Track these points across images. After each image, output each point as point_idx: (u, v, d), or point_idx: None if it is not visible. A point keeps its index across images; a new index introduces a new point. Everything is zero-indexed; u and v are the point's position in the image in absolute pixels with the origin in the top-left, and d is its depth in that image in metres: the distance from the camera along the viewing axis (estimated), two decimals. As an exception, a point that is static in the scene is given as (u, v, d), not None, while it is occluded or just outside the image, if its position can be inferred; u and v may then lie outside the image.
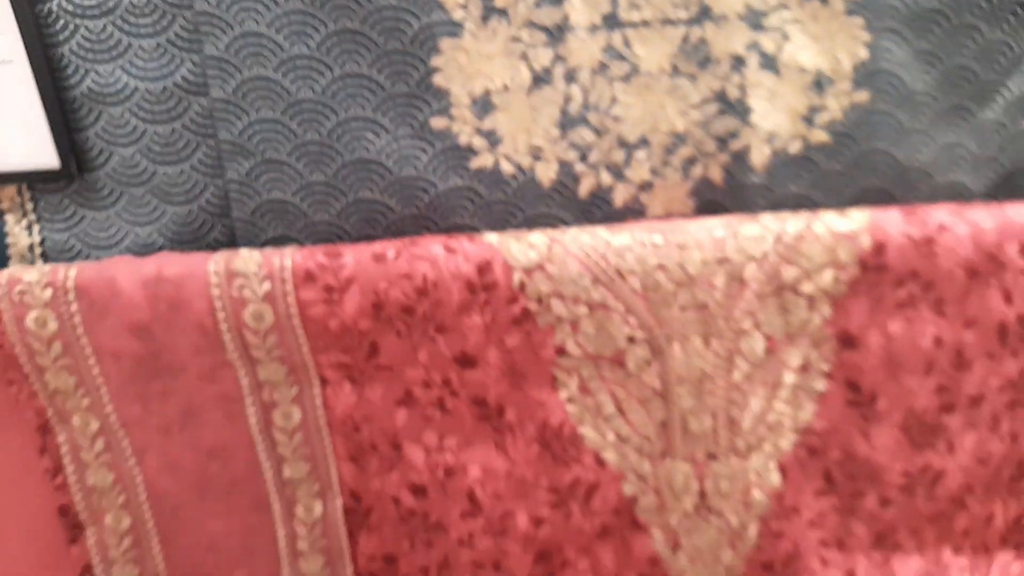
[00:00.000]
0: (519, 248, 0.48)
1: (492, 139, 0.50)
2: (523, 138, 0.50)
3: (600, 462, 0.53)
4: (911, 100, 0.49)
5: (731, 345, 0.50)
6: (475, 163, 0.51)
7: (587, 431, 0.52)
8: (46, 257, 0.54)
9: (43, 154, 0.51)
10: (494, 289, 0.48)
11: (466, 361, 0.51)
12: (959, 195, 0.53)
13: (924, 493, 0.55)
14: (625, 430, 0.52)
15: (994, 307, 0.50)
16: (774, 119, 0.49)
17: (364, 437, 0.53)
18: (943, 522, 0.57)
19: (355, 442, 0.54)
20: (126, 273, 0.48)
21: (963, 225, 0.49)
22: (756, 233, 0.48)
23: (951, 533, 0.58)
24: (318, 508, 0.56)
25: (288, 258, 0.48)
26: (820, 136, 0.50)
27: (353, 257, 0.48)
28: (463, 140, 0.50)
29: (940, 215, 0.49)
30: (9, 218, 0.54)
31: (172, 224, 0.53)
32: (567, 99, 0.49)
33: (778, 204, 0.52)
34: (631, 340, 0.50)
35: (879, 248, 0.48)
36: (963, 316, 0.50)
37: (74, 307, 0.48)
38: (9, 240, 0.54)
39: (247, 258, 0.49)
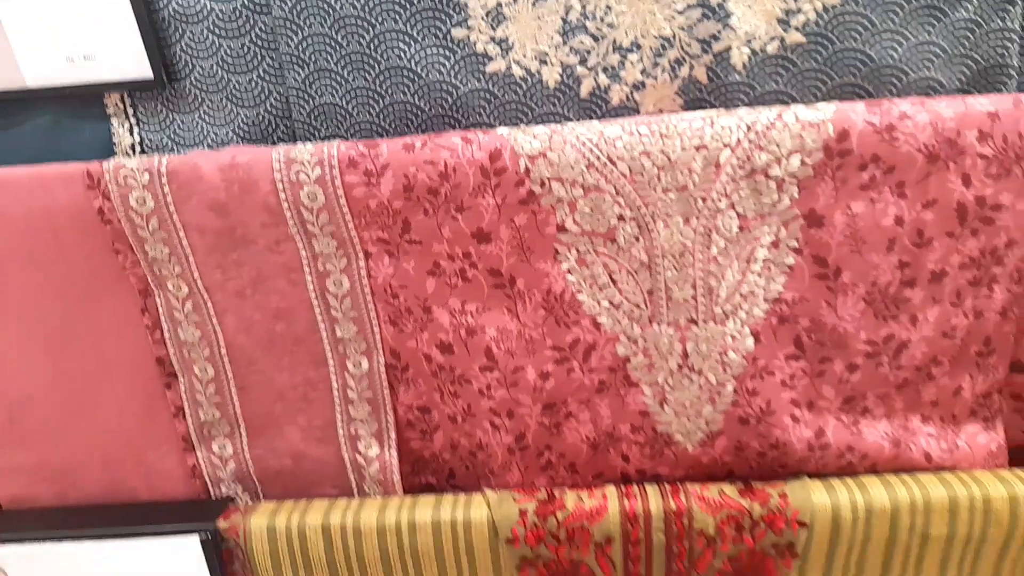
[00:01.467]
0: (524, 138, 0.57)
1: (504, 46, 0.58)
2: (530, 45, 0.57)
3: (596, 325, 0.62)
4: (883, 1, 0.55)
5: (708, 223, 0.57)
6: (490, 68, 0.59)
7: (585, 298, 0.61)
8: (144, 154, 0.66)
9: (139, 67, 0.62)
10: (504, 173, 0.57)
11: (482, 237, 0.60)
12: (932, 92, 0.58)
13: (889, 362, 0.62)
14: (617, 297, 0.61)
15: (953, 189, 0.56)
16: (752, 22, 0.55)
17: (400, 302, 0.64)
18: (911, 391, 0.64)
19: (393, 307, 0.64)
20: (207, 160, 0.59)
21: (924, 113, 0.54)
22: (731, 123, 0.55)
23: (919, 402, 0.65)
24: (365, 364, 0.67)
25: (335, 148, 0.58)
26: (796, 37, 0.56)
27: (388, 147, 0.58)
28: (480, 48, 0.58)
29: (903, 105, 0.54)
30: (115, 121, 0.66)
31: (244, 125, 0.64)
32: (567, 8, 0.56)
33: (759, 101, 0.58)
34: (621, 218, 0.58)
35: (843, 135, 0.54)
36: (923, 197, 0.56)
37: (166, 188, 0.60)
38: (115, 140, 0.66)
39: (302, 149, 0.59)
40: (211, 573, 0.68)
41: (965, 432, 0.66)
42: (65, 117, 0.65)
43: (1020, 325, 0.62)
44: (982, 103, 0.54)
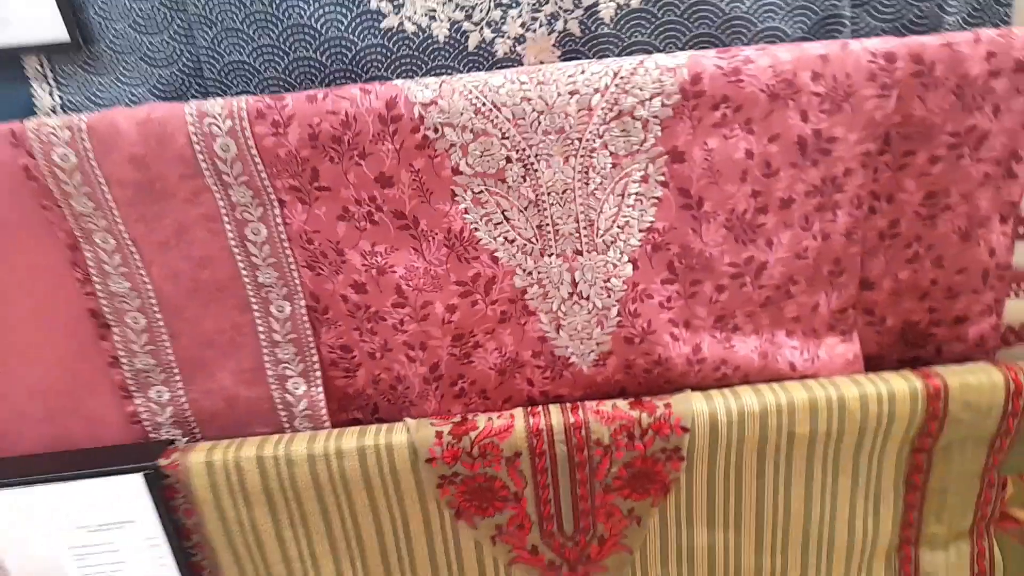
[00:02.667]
0: (417, 88, 0.63)
1: (396, 3, 0.64)
2: (420, 2, 0.63)
3: (495, 260, 0.69)
4: (723, -41, 0.62)
5: (585, 161, 0.64)
6: (384, 24, 0.65)
7: (482, 235, 0.68)
8: (65, 114, 0.69)
9: (55, 29, 0.66)
10: (400, 120, 0.63)
11: (385, 181, 0.66)
12: (777, 40, 0.65)
13: (752, 282, 0.70)
14: (511, 233, 0.68)
15: (793, 125, 0.63)
16: (615, -22, 0.62)
17: (315, 247, 0.69)
18: (774, 308, 0.72)
19: (309, 251, 0.69)
20: (124, 116, 0.64)
21: (765, 57, 0.62)
22: (600, 69, 0.62)
23: (782, 319, 0.73)
24: (287, 307, 0.72)
25: (244, 101, 0.63)
26: (655, -9, 0.63)
27: (292, 99, 0.63)
28: (373, 5, 0.64)
29: (747, 51, 0.62)
30: (35, 84, 0.69)
31: (159, 84, 0.68)
32: (451, -33, 0.62)
33: (626, 51, 0.65)
34: (508, 160, 0.64)
35: (696, 78, 0.62)
36: (768, 132, 0.64)
37: (87, 144, 0.64)
38: (36, 102, 0.70)
39: (213, 103, 0.64)
40: (156, 508, 0.73)
41: (825, 344, 0.75)
42: (-14, 81, 0.69)
43: (865, 247, 0.71)
44: (815, 47, 0.62)
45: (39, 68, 0.68)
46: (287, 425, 0.77)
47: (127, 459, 0.74)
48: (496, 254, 0.68)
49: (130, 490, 0.72)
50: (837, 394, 0.71)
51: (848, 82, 0.62)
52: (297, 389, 0.75)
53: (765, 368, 0.73)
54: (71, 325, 0.73)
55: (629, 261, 0.68)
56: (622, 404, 0.72)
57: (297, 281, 0.71)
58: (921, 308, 0.75)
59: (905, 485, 0.77)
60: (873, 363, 0.77)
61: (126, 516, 0.74)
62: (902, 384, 0.72)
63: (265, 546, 0.76)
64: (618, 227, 0.67)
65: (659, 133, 0.63)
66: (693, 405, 0.71)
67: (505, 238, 0.67)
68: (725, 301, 0.70)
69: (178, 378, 0.75)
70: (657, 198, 0.66)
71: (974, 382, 0.71)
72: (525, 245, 0.68)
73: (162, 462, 0.72)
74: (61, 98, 0.69)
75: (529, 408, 0.73)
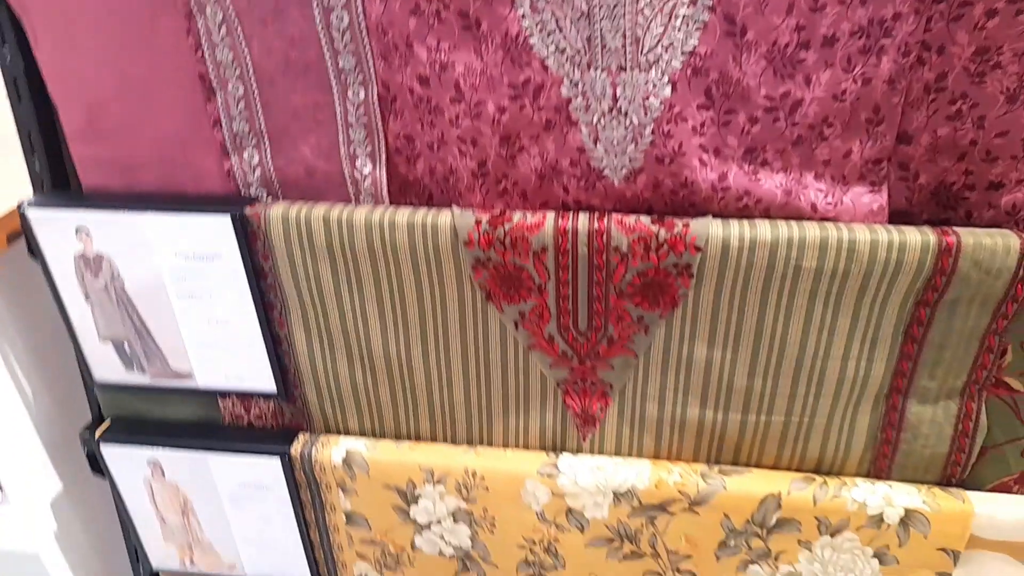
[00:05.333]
0: None
1: None
2: None
3: (545, 67, 0.75)
4: None
5: (638, -23, 0.68)
6: None
7: (535, 41, 0.73)
8: None
9: None
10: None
11: (453, -21, 0.72)
12: None
13: (786, 118, 0.73)
14: (562, 43, 0.73)
15: (847, -41, 0.64)
16: None
17: (389, 38, 0.77)
18: (804, 148, 0.76)
19: (383, 43, 0.77)
20: None
21: None
22: None
23: (812, 160, 0.77)
24: (362, 93, 0.82)
25: None
26: None
27: None
28: None
29: None
30: None
31: None
32: None
33: None
34: (566, -32, 0.69)
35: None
36: (819, -35, 0.65)
37: (201, -82, 0.73)
38: None
39: None
40: (239, 247, 0.88)
41: (852, 191, 0.78)
42: None
43: (907, 98, 0.72)
44: None
45: None
46: (354, 200, 0.88)
47: (220, 204, 0.88)
48: (547, 62, 0.74)
49: (220, 228, 0.87)
50: (849, 236, 0.76)
51: (911, -83, 0.62)
52: (364, 168, 0.86)
53: (787, 205, 0.78)
54: (184, 86, 0.86)
55: (669, 82, 0.72)
56: (644, 219, 0.79)
57: (372, 70, 0.79)
58: (957, 169, 0.76)
59: (904, 335, 0.82)
60: (901, 219, 0.80)
61: (215, 250, 0.89)
62: (915, 236, 0.75)
63: (325, 296, 0.90)
64: (662, 47, 0.71)
65: (712, -44, 0.66)
66: (709, 228, 0.78)
67: (556, 47, 0.73)
68: (756, 133, 0.74)
69: (267, 144, 0.88)
70: (703, 22, 0.69)
71: (988, 243, 0.74)
72: (574, 56, 0.73)
73: (248, 210, 0.86)
74: None
75: (560, 211, 0.82)
